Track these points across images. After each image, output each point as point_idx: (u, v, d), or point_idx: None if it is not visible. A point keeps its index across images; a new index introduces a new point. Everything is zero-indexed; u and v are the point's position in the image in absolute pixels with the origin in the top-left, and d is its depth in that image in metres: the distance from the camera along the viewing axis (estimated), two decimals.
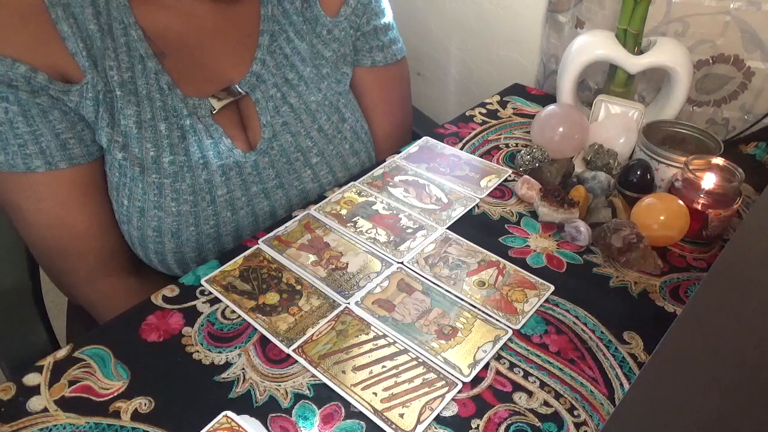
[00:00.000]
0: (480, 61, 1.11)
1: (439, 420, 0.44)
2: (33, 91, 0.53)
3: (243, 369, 0.47)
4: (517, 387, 0.46)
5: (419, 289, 0.55)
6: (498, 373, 0.47)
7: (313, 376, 0.47)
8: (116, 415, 0.44)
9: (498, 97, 0.90)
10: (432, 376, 0.47)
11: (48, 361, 0.47)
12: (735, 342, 0.40)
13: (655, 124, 0.71)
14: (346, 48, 0.70)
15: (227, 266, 0.57)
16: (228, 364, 0.48)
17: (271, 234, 0.61)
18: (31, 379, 0.46)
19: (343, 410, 0.44)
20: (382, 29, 0.73)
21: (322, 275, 0.56)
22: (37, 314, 0.66)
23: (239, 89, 0.63)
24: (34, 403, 0.44)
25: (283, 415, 0.44)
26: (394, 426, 0.43)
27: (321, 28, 0.68)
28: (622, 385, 0.47)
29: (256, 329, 0.51)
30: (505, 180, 0.70)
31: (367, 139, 0.74)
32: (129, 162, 0.58)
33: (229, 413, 0.43)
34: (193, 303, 0.53)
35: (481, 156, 0.75)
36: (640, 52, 0.75)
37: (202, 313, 0.52)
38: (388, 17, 0.73)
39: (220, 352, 0.49)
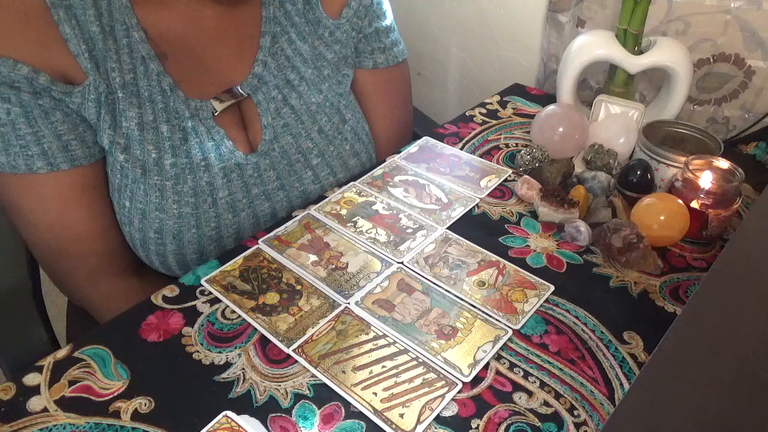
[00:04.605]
0: (480, 61, 1.11)
1: (439, 420, 0.44)
2: (35, 93, 0.53)
3: (243, 369, 0.47)
4: (517, 387, 0.46)
5: (419, 289, 0.55)
6: (498, 373, 0.47)
7: (313, 376, 0.47)
8: (116, 415, 0.44)
9: (498, 97, 0.90)
10: (432, 376, 0.47)
11: (48, 361, 0.47)
12: (735, 342, 0.40)
13: (655, 124, 0.71)
14: (347, 50, 0.70)
15: (227, 266, 0.57)
16: (228, 364, 0.48)
17: (271, 234, 0.61)
18: (31, 379, 0.46)
19: (343, 410, 0.44)
20: (384, 31, 0.73)
21: (322, 275, 0.56)
22: (37, 314, 0.66)
23: (241, 91, 0.63)
24: (34, 403, 0.44)
25: (283, 415, 0.44)
26: (394, 426, 0.43)
27: (323, 30, 0.68)
28: (622, 385, 0.47)
29: (256, 329, 0.51)
30: (505, 180, 0.70)
31: (367, 140, 0.74)
32: (130, 164, 0.58)
33: (229, 413, 0.43)
34: (193, 303, 0.53)
35: (481, 156, 0.75)
36: (640, 52, 0.75)
37: (202, 313, 0.52)
38: (389, 19, 0.74)
39: (220, 352, 0.49)
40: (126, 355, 0.48)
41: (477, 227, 0.63)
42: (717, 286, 0.44)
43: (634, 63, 0.74)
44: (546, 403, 0.45)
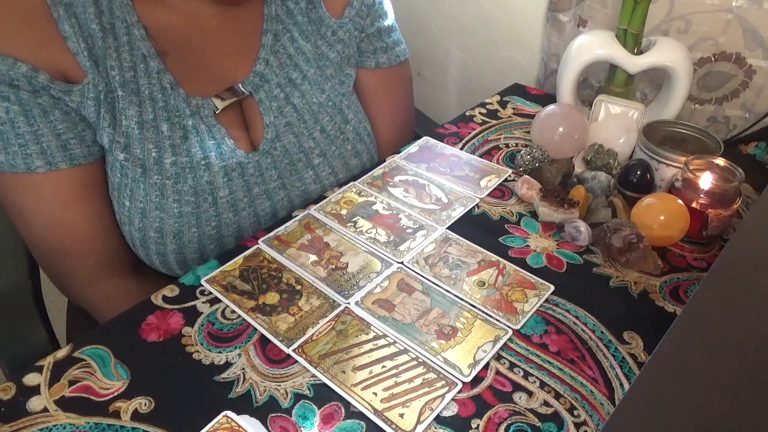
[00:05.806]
0: (480, 61, 1.11)
1: (439, 420, 0.44)
2: (34, 91, 0.53)
3: (243, 369, 0.47)
4: (517, 387, 0.46)
5: (419, 289, 0.55)
6: (498, 373, 0.47)
7: (313, 376, 0.47)
8: (116, 415, 0.44)
9: (498, 97, 0.90)
10: (432, 376, 0.47)
11: (48, 361, 0.47)
12: (735, 342, 0.39)
13: (655, 124, 0.71)
14: (350, 49, 0.70)
15: (227, 266, 0.57)
16: (228, 364, 0.48)
17: (271, 234, 0.61)
18: (31, 379, 0.46)
19: (343, 410, 0.44)
20: (386, 31, 0.73)
21: (322, 275, 0.56)
22: (37, 314, 0.66)
23: (243, 89, 0.63)
24: (34, 403, 0.44)
25: (283, 415, 0.44)
26: (394, 426, 0.43)
27: (325, 30, 0.68)
28: (622, 385, 0.47)
29: (256, 329, 0.51)
30: (505, 180, 0.70)
31: (369, 140, 0.74)
32: (130, 163, 0.58)
33: (229, 413, 0.43)
34: (193, 303, 0.53)
35: (481, 156, 0.75)
36: (640, 52, 0.75)
37: (202, 313, 0.52)
38: (391, 19, 0.73)
39: (220, 352, 0.49)
40: (126, 355, 0.48)
41: (477, 227, 0.63)
42: (717, 286, 0.44)
43: (634, 63, 0.74)
44: (546, 403, 0.45)
